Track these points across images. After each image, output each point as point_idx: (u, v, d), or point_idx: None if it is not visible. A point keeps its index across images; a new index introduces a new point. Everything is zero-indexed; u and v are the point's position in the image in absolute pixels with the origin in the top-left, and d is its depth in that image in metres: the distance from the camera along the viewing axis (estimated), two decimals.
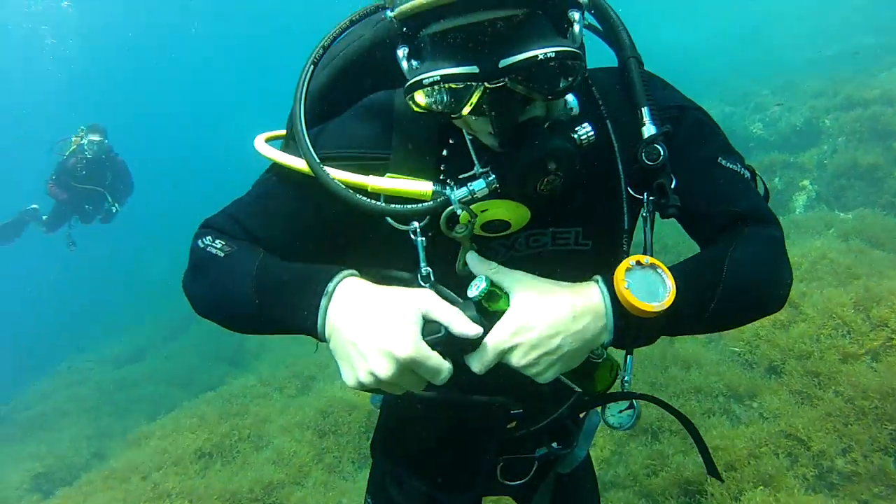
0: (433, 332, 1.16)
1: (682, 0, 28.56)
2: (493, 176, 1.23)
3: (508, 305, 1.23)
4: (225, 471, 5.94)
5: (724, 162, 1.43)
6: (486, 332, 1.20)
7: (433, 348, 1.14)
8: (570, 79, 1.14)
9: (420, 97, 1.15)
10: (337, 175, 1.30)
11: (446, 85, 1.12)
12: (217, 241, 1.35)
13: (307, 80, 1.41)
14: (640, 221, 1.44)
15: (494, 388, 1.50)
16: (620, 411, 1.69)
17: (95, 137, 9.11)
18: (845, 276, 5.44)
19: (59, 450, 8.23)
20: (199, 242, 1.38)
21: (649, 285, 1.21)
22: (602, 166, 1.39)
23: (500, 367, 1.24)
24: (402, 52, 1.19)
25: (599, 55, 1.50)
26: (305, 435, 6.14)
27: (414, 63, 1.18)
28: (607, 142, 1.38)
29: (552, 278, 1.30)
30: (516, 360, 1.21)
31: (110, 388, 10.75)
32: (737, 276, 1.30)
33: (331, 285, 1.20)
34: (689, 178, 1.38)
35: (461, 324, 1.16)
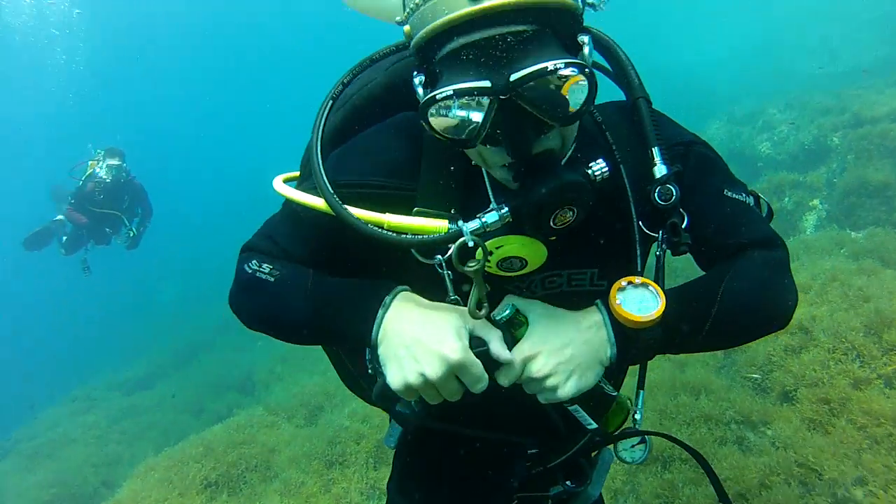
0: (478, 346, 1.29)
1: (689, 20, 28.64)
2: (507, 209, 1.25)
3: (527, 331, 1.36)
4: (231, 501, 5.88)
5: (729, 193, 1.47)
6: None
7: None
8: (581, 102, 1.15)
9: (437, 122, 1.17)
10: (355, 212, 1.33)
11: (461, 104, 1.14)
12: (264, 266, 1.42)
13: (325, 115, 1.45)
14: (651, 256, 1.50)
15: (512, 426, 1.58)
16: (633, 446, 1.73)
17: (114, 161, 9.14)
18: (856, 299, 5.34)
19: (65, 478, 8.20)
20: (247, 267, 1.45)
21: (641, 301, 1.32)
22: (614, 204, 1.43)
23: (520, 401, 1.39)
24: (418, 80, 1.23)
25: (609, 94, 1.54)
26: (313, 465, 6.07)
27: (427, 90, 1.20)
28: (619, 180, 1.42)
29: None
30: (537, 368, 1.31)
31: (118, 415, 10.75)
32: (733, 293, 1.37)
33: (388, 297, 1.32)
34: (698, 213, 1.43)
35: (497, 345, 1.30)
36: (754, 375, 5.18)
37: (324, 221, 1.39)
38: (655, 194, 1.36)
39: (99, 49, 26.11)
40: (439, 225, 1.31)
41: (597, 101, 1.22)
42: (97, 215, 9.49)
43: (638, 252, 1.46)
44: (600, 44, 1.51)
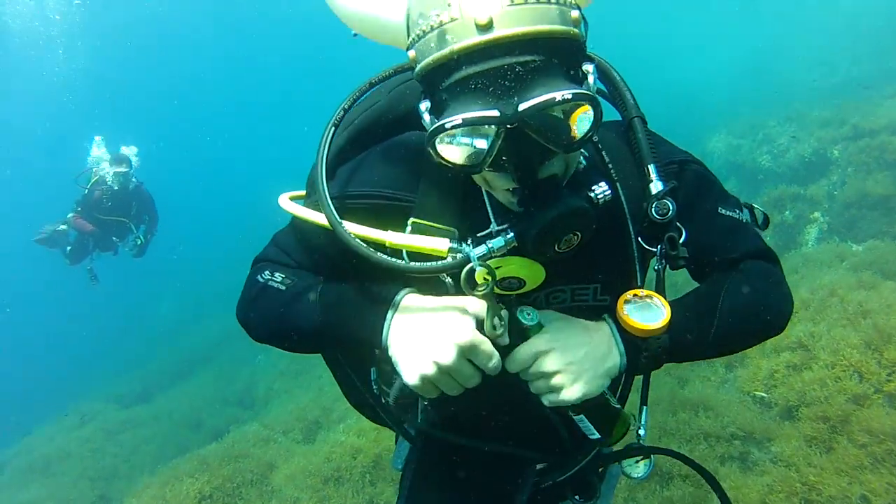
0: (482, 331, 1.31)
1: (686, 34, 28.73)
2: (512, 234, 1.28)
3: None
4: None
5: (723, 210, 1.53)
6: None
7: None
8: (587, 130, 1.18)
9: (443, 149, 1.19)
10: (356, 231, 1.34)
11: (465, 132, 1.16)
12: (276, 275, 1.48)
13: (329, 141, 1.45)
14: (651, 271, 1.54)
15: (519, 439, 1.61)
16: (637, 461, 1.75)
17: (121, 169, 9.04)
18: (855, 315, 5.30)
19: (61, 493, 8.14)
20: (259, 277, 1.50)
21: (646, 311, 1.38)
22: (612, 221, 1.46)
23: (526, 412, 1.48)
24: (424, 106, 1.22)
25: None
26: (308, 481, 6.02)
27: (433, 117, 1.22)
28: (616, 198, 1.44)
29: None
30: (548, 363, 1.34)
31: (115, 428, 10.68)
32: (733, 300, 1.44)
33: (397, 298, 1.35)
34: (694, 230, 1.46)
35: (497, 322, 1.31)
36: (762, 394, 5.13)
37: (329, 235, 1.41)
38: (653, 209, 1.39)
39: (99, 48, 25.94)
40: (440, 245, 1.31)
41: None
42: (104, 223, 9.37)
43: (637, 267, 1.50)
44: (597, 67, 1.51)
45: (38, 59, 24.36)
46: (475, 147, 1.17)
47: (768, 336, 1.54)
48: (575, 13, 1.17)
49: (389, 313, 1.34)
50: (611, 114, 1.57)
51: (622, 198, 1.46)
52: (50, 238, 9.67)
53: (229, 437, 7.46)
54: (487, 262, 1.29)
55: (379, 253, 1.32)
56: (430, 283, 1.42)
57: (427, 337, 1.28)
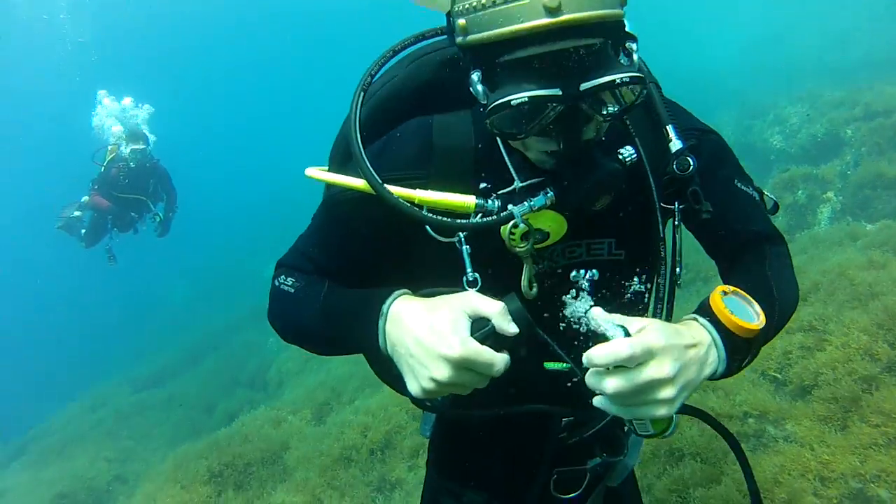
0: (482, 328, 1.25)
1: (698, 14, 28.42)
2: (552, 192, 1.31)
3: None
4: (238, 494, 5.91)
5: (739, 185, 1.57)
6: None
7: (484, 342, 1.22)
8: (630, 104, 1.25)
9: (497, 119, 1.22)
10: (392, 189, 1.37)
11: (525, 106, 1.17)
12: (289, 279, 1.54)
13: (359, 105, 1.47)
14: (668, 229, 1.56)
15: (544, 398, 1.59)
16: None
17: (138, 146, 8.98)
18: (866, 296, 5.26)
19: (79, 473, 8.25)
20: (276, 282, 1.58)
21: (741, 308, 1.33)
22: (634, 181, 1.47)
23: (553, 377, 1.41)
24: (476, 77, 1.24)
25: None
26: (320, 459, 6.10)
27: (486, 87, 1.24)
28: (639, 159, 1.47)
29: None
30: (661, 367, 1.16)
31: (130, 411, 10.81)
32: (782, 292, 1.48)
33: (385, 306, 1.33)
34: (712, 197, 1.48)
35: (500, 319, 1.24)
36: (777, 374, 5.09)
37: (360, 208, 1.45)
38: (674, 165, 1.43)
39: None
40: (467, 200, 1.36)
41: None
42: (122, 200, 9.33)
43: (659, 220, 1.52)
44: None
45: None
46: (528, 115, 1.22)
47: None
48: None
49: (380, 323, 1.32)
50: None
51: (644, 157, 1.48)
52: (67, 224, 9.68)
53: (241, 419, 7.52)
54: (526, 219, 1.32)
55: (424, 212, 1.36)
56: (442, 255, 1.43)
57: (419, 352, 1.24)
